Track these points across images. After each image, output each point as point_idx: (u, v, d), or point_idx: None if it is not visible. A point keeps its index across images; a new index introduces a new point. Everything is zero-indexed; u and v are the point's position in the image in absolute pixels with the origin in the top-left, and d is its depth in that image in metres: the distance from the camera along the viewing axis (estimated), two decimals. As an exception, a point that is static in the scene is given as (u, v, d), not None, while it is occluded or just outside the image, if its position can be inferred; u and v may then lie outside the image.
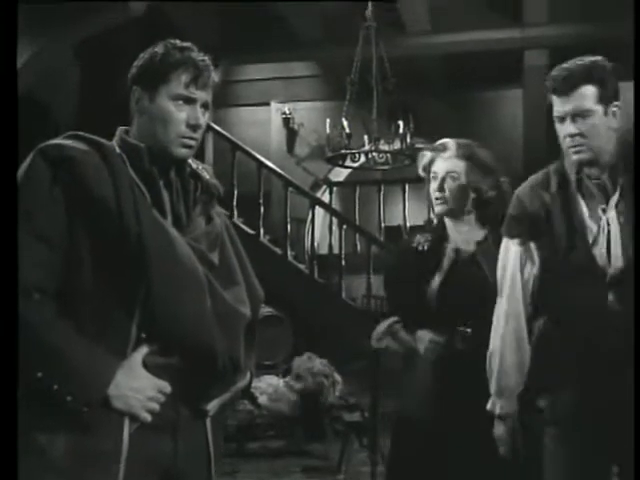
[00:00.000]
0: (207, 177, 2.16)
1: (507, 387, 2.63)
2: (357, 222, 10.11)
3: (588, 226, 2.52)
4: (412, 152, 8.10)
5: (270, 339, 7.91)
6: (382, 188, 10.37)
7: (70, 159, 1.94)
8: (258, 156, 10.12)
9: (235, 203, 9.74)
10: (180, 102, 2.05)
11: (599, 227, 2.51)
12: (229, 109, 11.99)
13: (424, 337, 2.98)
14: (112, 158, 2.00)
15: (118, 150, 2.04)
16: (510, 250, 2.66)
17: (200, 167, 2.18)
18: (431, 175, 3.09)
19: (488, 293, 2.71)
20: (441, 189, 3.03)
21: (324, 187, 11.69)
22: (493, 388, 2.66)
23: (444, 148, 3.07)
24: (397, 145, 8.85)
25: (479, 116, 11.27)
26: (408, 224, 10.13)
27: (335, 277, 9.77)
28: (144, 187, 2.01)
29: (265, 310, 7.40)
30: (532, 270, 2.62)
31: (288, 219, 9.88)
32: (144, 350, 1.95)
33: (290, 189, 10.03)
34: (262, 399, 7.12)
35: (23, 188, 1.92)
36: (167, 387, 1.96)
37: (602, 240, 2.50)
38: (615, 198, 2.53)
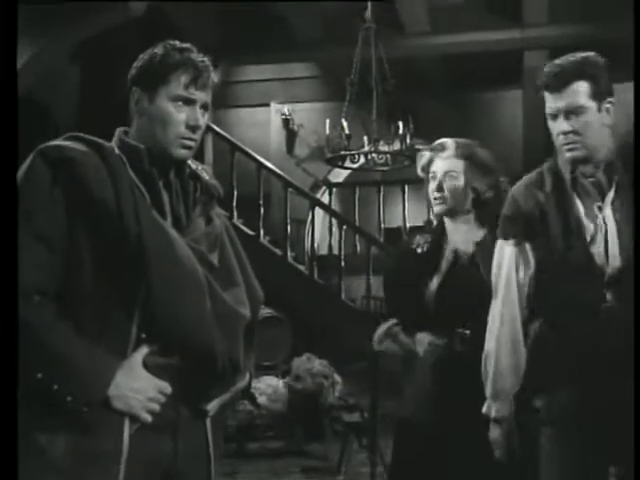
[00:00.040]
0: (207, 178, 2.16)
1: (502, 390, 2.61)
2: (357, 223, 10.12)
3: (584, 224, 2.50)
4: (412, 153, 8.10)
5: (270, 340, 7.91)
6: (382, 189, 10.38)
7: (70, 160, 1.94)
8: (258, 157, 10.12)
9: (235, 204, 9.75)
10: (179, 103, 2.05)
11: (595, 225, 2.49)
12: (229, 110, 11.99)
13: (423, 339, 2.97)
14: (112, 159, 2.00)
15: (117, 151, 2.04)
16: (505, 251, 2.63)
17: (200, 168, 2.18)
18: (430, 175, 3.07)
19: (487, 294, 2.69)
20: (440, 189, 3.02)
21: (324, 188, 11.69)
22: (488, 391, 2.63)
23: (443, 148, 3.06)
24: (397, 146, 8.85)
25: (479, 117, 11.28)
26: (408, 225, 10.15)
27: (335, 278, 9.78)
28: (144, 188, 2.01)
29: (265, 311, 7.40)
30: (528, 271, 2.59)
31: (288, 220, 9.88)
32: (144, 350, 1.95)
33: (290, 190, 10.03)
34: (262, 399, 7.12)
35: (23, 189, 1.93)
36: (167, 387, 1.97)
37: (599, 238, 2.48)
38: (611, 195, 2.51)
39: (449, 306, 2.90)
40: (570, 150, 2.50)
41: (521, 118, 10.47)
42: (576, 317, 2.48)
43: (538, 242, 2.56)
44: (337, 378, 7.41)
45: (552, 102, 2.52)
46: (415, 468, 2.94)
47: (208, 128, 8.55)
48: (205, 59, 2.09)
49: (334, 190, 11.15)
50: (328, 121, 8.89)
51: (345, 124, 8.54)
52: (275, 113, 12.32)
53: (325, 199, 10.99)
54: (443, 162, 3.04)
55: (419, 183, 3.20)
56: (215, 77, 2.13)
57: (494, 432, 2.64)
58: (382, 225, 10.22)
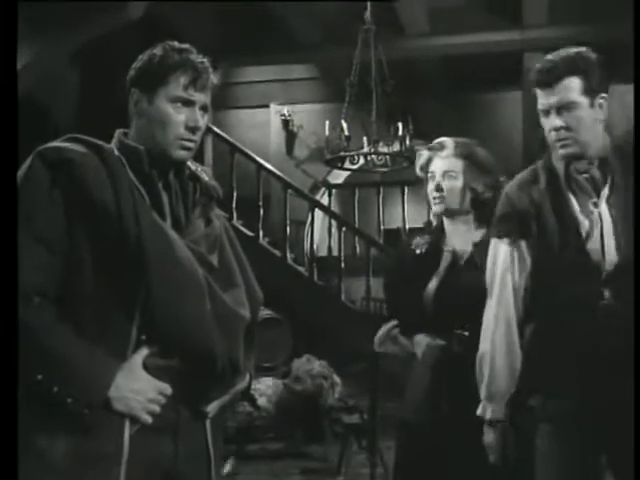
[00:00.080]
0: (206, 179, 2.17)
1: (498, 391, 2.58)
2: (356, 224, 10.12)
3: (579, 221, 2.48)
4: (411, 154, 8.10)
5: (269, 341, 7.91)
6: (381, 190, 10.38)
7: (69, 161, 1.94)
8: (257, 158, 10.12)
9: (234, 205, 9.74)
10: (179, 104, 2.05)
11: (591, 221, 2.47)
12: (228, 111, 11.98)
13: (421, 341, 2.96)
14: (111, 160, 2.00)
15: (117, 152, 2.04)
16: (499, 250, 2.61)
17: (199, 169, 2.18)
18: (428, 175, 3.06)
19: (485, 295, 2.69)
20: (439, 189, 3.00)
21: (323, 189, 11.68)
22: (483, 392, 2.61)
23: (442, 147, 3.05)
24: (396, 147, 8.85)
25: (478, 118, 11.27)
26: (407, 226, 10.15)
27: (334, 279, 9.77)
28: (143, 189, 2.01)
29: (264, 312, 7.40)
30: (524, 270, 2.57)
31: (287, 221, 9.88)
32: (144, 352, 1.95)
33: (289, 191, 10.03)
34: (261, 401, 7.12)
35: (22, 190, 1.93)
36: (167, 389, 1.97)
37: (595, 235, 2.46)
38: (606, 191, 2.49)
39: (447, 307, 2.89)
40: (563, 146, 2.48)
41: (521, 119, 10.47)
42: (573, 315, 2.46)
43: (534, 240, 2.53)
44: (337, 379, 7.41)
45: (544, 98, 2.50)
46: (418, 470, 2.94)
47: (208, 129, 8.55)
48: (204, 60, 2.09)
49: (334, 191, 11.14)
50: (328, 122, 8.89)
51: (345, 125, 8.54)
52: (275, 114, 12.31)
53: (325, 200, 10.99)
54: (442, 161, 3.02)
55: (419, 184, 3.18)
56: (214, 78, 2.13)
57: (488, 435, 2.62)
58: (381, 226, 10.22)
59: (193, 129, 2.06)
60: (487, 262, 2.67)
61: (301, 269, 9.99)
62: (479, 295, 2.70)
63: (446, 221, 3.08)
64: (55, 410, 1.87)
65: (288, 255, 9.86)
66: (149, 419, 1.94)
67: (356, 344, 6.18)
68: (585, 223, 2.47)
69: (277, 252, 9.86)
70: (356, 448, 6.74)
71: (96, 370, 1.90)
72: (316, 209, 10.22)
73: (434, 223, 3.22)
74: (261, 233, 9.81)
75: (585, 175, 2.51)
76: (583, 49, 2.52)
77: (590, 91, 2.47)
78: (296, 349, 8.25)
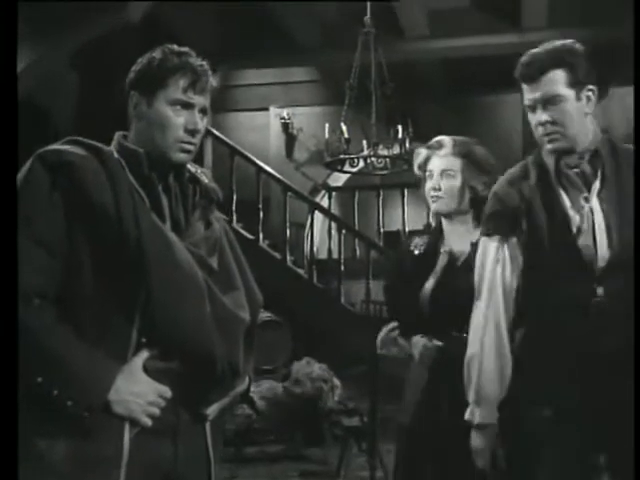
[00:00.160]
0: (206, 182, 2.16)
1: (487, 395, 2.50)
2: (356, 227, 10.11)
3: (571, 217, 2.43)
4: (411, 157, 8.06)
5: (269, 344, 7.91)
6: (381, 193, 10.38)
7: (69, 164, 1.94)
8: (257, 161, 10.12)
9: (234, 208, 9.75)
10: (178, 107, 2.05)
11: (582, 217, 2.42)
12: (228, 114, 11.99)
13: (418, 342, 2.95)
14: (111, 163, 2.00)
15: (116, 155, 2.04)
16: (489, 248, 2.55)
17: (199, 172, 2.18)
18: (427, 173, 3.04)
19: None
20: (437, 187, 2.99)
21: (323, 192, 11.68)
22: (471, 396, 2.53)
23: (440, 145, 3.03)
24: (396, 150, 8.86)
25: (478, 120, 11.27)
26: (407, 229, 10.15)
27: (334, 282, 9.78)
28: (143, 192, 2.01)
29: (264, 315, 7.40)
30: (514, 269, 2.51)
31: (287, 224, 9.88)
32: (144, 355, 1.95)
33: (289, 194, 10.03)
34: (261, 404, 7.12)
35: (22, 193, 1.93)
36: (167, 391, 1.96)
37: (587, 230, 2.42)
38: (597, 186, 2.46)
39: (444, 308, 2.86)
40: (550, 141, 2.45)
41: (520, 122, 10.46)
42: (565, 314, 2.42)
43: (524, 237, 2.48)
44: (336, 382, 7.41)
45: (529, 93, 2.47)
46: (418, 472, 2.93)
47: (207, 132, 8.56)
48: (204, 63, 2.10)
49: (333, 194, 11.15)
50: (327, 125, 8.90)
51: (344, 128, 8.55)
52: (274, 117, 12.33)
53: (324, 203, 10.99)
54: (440, 160, 3.00)
55: (418, 187, 3.17)
56: (214, 81, 2.13)
57: (476, 440, 2.54)
58: (381, 229, 10.22)
59: (192, 132, 2.06)
60: (476, 262, 2.62)
61: (301, 272, 9.99)
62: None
63: (444, 221, 3.07)
64: (55, 413, 1.87)
65: (288, 258, 9.87)
66: (149, 422, 1.94)
67: (356, 347, 6.19)
68: (576, 218, 2.43)
69: (277, 255, 9.86)
70: (356, 451, 6.73)
71: (96, 373, 1.90)
72: (316, 212, 10.22)
73: (433, 224, 3.20)
74: (261, 236, 9.81)
75: (576, 170, 2.47)
76: (569, 41, 2.48)
77: (576, 83, 2.43)
78: (296, 352, 8.25)
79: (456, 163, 2.99)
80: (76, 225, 1.93)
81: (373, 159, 9.00)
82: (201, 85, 2.07)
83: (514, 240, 2.51)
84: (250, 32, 10.39)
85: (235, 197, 9.75)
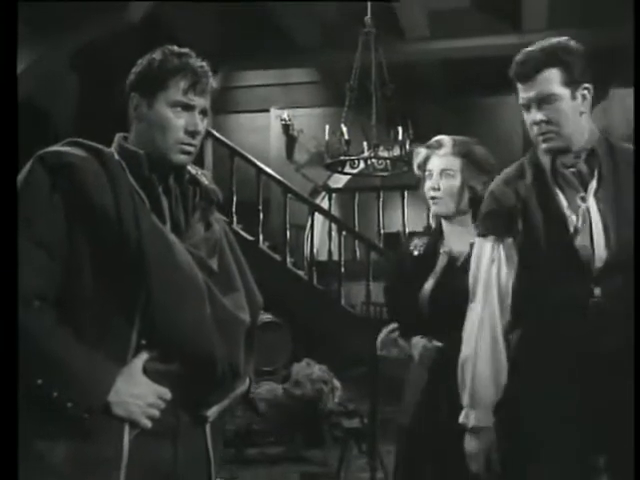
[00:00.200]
0: (206, 183, 2.16)
1: (481, 398, 2.47)
2: (356, 228, 10.11)
3: (567, 217, 2.41)
4: (411, 158, 8.07)
5: (269, 345, 7.91)
6: (381, 194, 10.38)
7: (69, 166, 1.94)
8: (257, 162, 10.12)
9: (234, 209, 9.75)
10: (178, 109, 2.05)
11: (579, 217, 2.40)
12: (228, 115, 12.00)
13: (418, 343, 2.94)
14: (111, 164, 2.00)
15: (117, 156, 2.04)
16: (484, 249, 2.52)
17: (199, 173, 2.18)
18: (426, 173, 3.03)
19: None
20: (436, 187, 2.97)
21: (323, 193, 11.69)
22: (466, 399, 2.51)
23: (439, 145, 3.01)
24: (396, 151, 8.85)
25: (478, 122, 11.26)
26: (407, 230, 10.14)
27: (334, 284, 9.77)
28: (143, 193, 2.01)
29: (264, 316, 7.40)
30: (510, 269, 2.49)
31: (287, 225, 9.88)
32: (144, 356, 1.95)
33: (289, 195, 10.03)
34: (261, 405, 7.12)
35: (22, 195, 1.93)
36: (167, 393, 1.96)
37: (584, 230, 2.39)
38: (593, 185, 2.43)
39: (443, 309, 2.84)
40: (545, 140, 2.43)
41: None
42: (563, 315, 2.39)
43: (520, 237, 2.46)
44: (336, 384, 7.41)
45: (523, 92, 2.45)
46: (418, 474, 2.92)
47: (208, 133, 8.56)
48: (204, 64, 2.10)
49: (333, 195, 11.16)
50: (328, 126, 8.89)
51: (345, 129, 8.54)
52: (275, 118, 12.33)
53: (324, 204, 10.99)
54: (439, 160, 2.99)
55: (418, 188, 3.16)
56: (214, 82, 2.13)
57: (470, 443, 2.51)
58: (381, 230, 10.22)
59: (193, 133, 2.06)
60: (471, 263, 2.60)
61: (301, 273, 9.99)
62: None
63: (444, 222, 3.05)
64: (55, 414, 1.87)
65: (288, 259, 9.86)
66: (148, 424, 1.94)
67: (356, 348, 6.18)
68: (573, 218, 2.41)
69: (277, 256, 9.86)
70: (356, 452, 6.72)
71: (96, 374, 1.90)
72: (316, 213, 10.21)
73: (433, 225, 3.19)
74: (261, 237, 9.80)
75: (572, 169, 2.45)
76: (564, 39, 2.45)
77: (571, 82, 2.40)
78: (296, 353, 8.25)
79: (455, 163, 2.98)
80: (76, 227, 1.93)
81: (373, 160, 8.99)
82: (201, 86, 2.07)
83: (510, 240, 2.49)
84: (250, 33, 10.39)
85: (235, 198, 9.74)
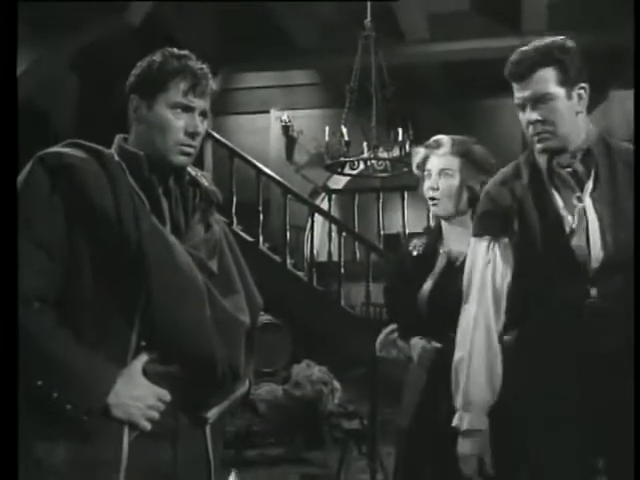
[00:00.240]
0: (206, 184, 2.16)
1: (476, 400, 2.45)
2: (356, 230, 10.11)
3: (563, 217, 2.39)
4: (411, 160, 8.08)
5: (269, 346, 7.91)
6: (381, 196, 10.38)
7: (69, 167, 1.94)
8: (257, 163, 10.12)
9: (234, 210, 9.74)
10: (178, 110, 2.05)
11: (574, 217, 2.38)
12: (228, 117, 12.00)
13: (417, 344, 2.93)
14: (111, 166, 2.00)
15: (117, 158, 2.04)
16: (479, 249, 2.50)
17: (199, 174, 2.18)
18: (425, 173, 3.01)
19: None
20: (435, 187, 2.96)
21: (323, 195, 11.68)
22: (459, 402, 2.48)
23: (438, 145, 3.00)
24: (396, 153, 8.85)
25: (478, 124, 11.26)
26: (407, 231, 10.14)
27: (334, 285, 9.77)
28: (143, 195, 2.01)
29: (264, 317, 7.40)
30: (506, 270, 2.47)
31: (287, 226, 9.87)
32: (144, 358, 1.95)
33: (289, 196, 10.03)
34: (261, 407, 7.11)
35: (23, 196, 1.93)
36: (167, 395, 1.96)
37: (580, 231, 2.37)
38: (590, 185, 2.41)
39: (442, 309, 2.82)
40: (541, 140, 2.41)
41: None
42: (558, 316, 2.37)
43: (516, 237, 2.44)
44: (336, 385, 7.40)
45: (519, 92, 2.42)
46: (417, 476, 2.92)
47: (208, 135, 8.55)
48: (203, 66, 2.10)
49: (333, 196, 11.16)
50: (327, 128, 8.90)
51: (344, 131, 8.55)
52: (275, 120, 12.33)
53: (324, 206, 10.99)
54: (438, 159, 2.97)
55: (417, 189, 3.15)
56: (214, 84, 2.13)
57: (463, 446, 2.48)
58: (381, 231, 10.22)
59: (193, 135, 2.06)
60: (466, 263, 2.59)
61: (301, 274, 9.99)
62: None
63: (443, 222, 3.04)
64: (54, 416, 1.87)
65: (288, 260, 9.86)
66: (148, 426, 1.94)
67: (356, 349, 6.18)
68: (569, 219, 2.39)
69: (277, 257, 9.86)
70: (356, 454, 6.71)
71: (95, 376, 1.90)
72: (316, 214, 10.20)
73: (433, 225, 3.18)
74: (261, 238, 9.80)
75: (568, 169, 2.43)
76: (559, 38, 2.43)
77: (567, 82, 2.38)
78: (296, 354, 8.25)
79: (454, 162, 2.96)
80: (76, 228, 1.93)
81: (373, 162, 8.99)
82: (201, 88, 2.07)
83: (505, 240, 2.47)
84: (250, 35, 10.39)
85: (235, 200, 9.74)
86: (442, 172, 2.97)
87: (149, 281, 1.92)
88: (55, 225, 1.92)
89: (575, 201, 2.40)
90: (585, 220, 2.39)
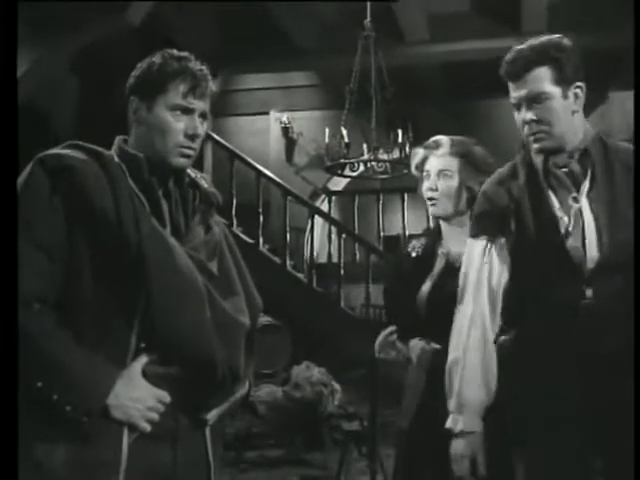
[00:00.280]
0: (206, 186, 2.16)
1: (470, 402, 2.43)
2: (356, 231, 10.11)
3: (559, 218, 2.36)
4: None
5: (269, 348, 7.90)
6: (381, 197, 10.38)
7: (69, 168, 1.94)
8: (257, 165, 10.12)
9: (234, 212, 9.74)
10: (178, 112, 2.05)
11: (570, 218, 2.35)
12: (228, 118, 11.99)
13: (415, 346, 2.93)
14: (111, 167, 2.00)
15: (117, 159, 2.04)
16: (475, 250, 2.48)
17: (199, 176, 2.18)
18: (424, 174, 3.01)
19: None
20: (434, 188, 2.95)
21: (323, 196, 11.69)
22: (453, 403, 2.46)
23: (437, 145, 2.99)
24: (396, 154, 8.85)
25: (478, 125, 11.26)
26: (407, 233, 10.13)
27: (334, 286, 9.77)
28: (143, 196, 2.01)
29: (264, 319, 7.39)
30: (502, 270, 2.44)
31: (287, 228, 9.87)
32: (144, 360, 1.95)
33: (289, 198, 10.03)
34: (261, 408, 7.11)
35: (23, 197, 1.93)
36: (166, 397, 1.96)
37: (576, 231, 2.35)
38: (586, 185, 2.39)
39: (441, 310, 2.78)
40: (536, 140, 2.39)
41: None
42: (554, 316, 2.35)
43: (512, 238, 2.41)
44: (336, 386, 7.40)
45: (514, 91, 2.40)
46: (417, 476, 2.92)
47: (207, 136, 8.56)
48: (203, 68, 2.10)
49: (333, 198, 11.15)
50: (327, 129, 8.89)
51: (344, 132, 8.54)
52: (274, 121, 12.33)
53: (324, 207, 10.99)
54: (437, 160, 2.97)
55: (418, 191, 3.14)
56: (213, 86, 2.13)
57: (456, 447, 2.46)
58: (381, 233, 10.22)
59: (192, 136, 2.06)
60: (462, 264, 2.58)
61: (300, 276, 9.99)
62: None
63: (442, 223, 3.03)
64: (54, 418, 1.87)
65: (288, 262, 9.86)
66: (148, 427, 1.93)
67: (355, 351, 6.17)
68: (565, 219, 2.37)
69: (277, 259, 9.86)
70: (356, 455, 6.71)
71: (95, 377, 1.90)
72: (316, 216, 10.21)
73: (432, 225, 3.18)
74: (261, 240, 9.80)
75: (564, 169, 2.40)
76: (555, 36, 2.40)
77: (563, 80, 2.36)
78: (295, 356, 8.24)
79: (453, 163, 2.95)
80: (76, 229, 1.93)
81: (373, 163, 8.99)
82: (201, 90, 2.07)
83: (502, 241, 2.45)
84: (250, 36, 10.39)
85: (235, 201, 9.74)
86: (441, 173, 2.96)
87: (149, 283, 1.92)
88: (55, 227, 1.92)
89: (571, 201, 2.38)
90: (581, 220, 2.37)
